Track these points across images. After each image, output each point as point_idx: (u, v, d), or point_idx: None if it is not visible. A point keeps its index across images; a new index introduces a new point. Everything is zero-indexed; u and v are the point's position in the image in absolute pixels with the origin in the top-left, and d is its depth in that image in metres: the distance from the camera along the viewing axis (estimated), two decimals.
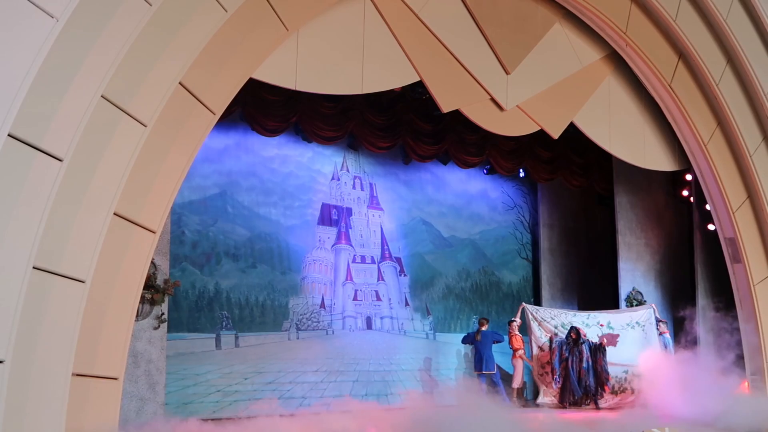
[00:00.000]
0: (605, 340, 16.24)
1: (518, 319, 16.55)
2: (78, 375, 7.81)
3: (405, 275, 16.95)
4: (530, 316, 16.62)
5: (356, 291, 16.15)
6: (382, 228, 16.73)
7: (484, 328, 16.08)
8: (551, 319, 16.59)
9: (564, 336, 16.08)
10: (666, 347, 16.51)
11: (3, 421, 6.81)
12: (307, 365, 14.86)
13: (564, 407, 15.89)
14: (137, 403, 11.73)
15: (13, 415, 7.02)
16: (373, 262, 16.52)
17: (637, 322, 16.70)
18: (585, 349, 15.82)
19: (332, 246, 15.87)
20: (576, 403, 15.92)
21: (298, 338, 15.02)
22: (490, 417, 9.73)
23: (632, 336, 16.53)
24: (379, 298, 16.47)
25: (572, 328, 16.14)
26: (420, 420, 10.34)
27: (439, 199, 17.81)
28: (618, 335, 16.47)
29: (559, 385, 15.91)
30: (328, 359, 15.26)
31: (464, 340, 16.41)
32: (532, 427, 10.73)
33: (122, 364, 8.57)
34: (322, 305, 15.50)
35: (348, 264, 16.09)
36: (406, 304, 16.91)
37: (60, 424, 7.47)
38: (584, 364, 15.77)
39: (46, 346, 7.40)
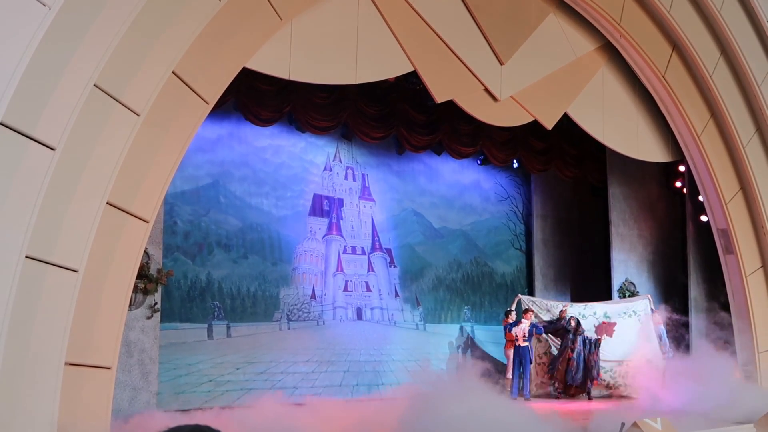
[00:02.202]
0: (603, 331, 16.27)
1: (513, 310, 16.53)
2: (71, 364, 7.78)
3: (395, 266, 16.96)
4: (526, 307, 16.63)
5: (346, 282, 16.15)
6: (373, 219, 16.72)
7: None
8: (546, 312, 16.59)
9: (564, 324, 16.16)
10: (661, 338, 16.57)
11: None
12: (298, 355, 14.87)
13: (558, 397, 15.96)
14: (130, 393, 11.73)
15: (6, 403, 7.00)
16: (363, 253, 16.52)
17: (633, 311, 16.71)
18: (579, 341, 15.86)
19: (323, 237, 15.85)
20: (566, 392, 15.99)
21: (289, 329, 15.02)
22: (485, 407, 9.75)
23: (629, 324, 16.56)
24: (369, 289, 16.48)
25: (571, 317, 16.23)
26: (416, 411, 10.33)
27: (432, 189, 17.80)
28: (615, 323, 16.51)
29: (557, 373, 16.00)
30: (318, 350, 15.28)
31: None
32: (526, 417, 10.75)
33: (115, 353, 8.55)
34: (313, 296, 15.50)
35: (339, 255, 16.08)
36: (396, 295, 16.92)
37: (53, 412, 7.45)
38: (575, 356, 15.82)
39: (39, 336, 7.38)
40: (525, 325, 15.80)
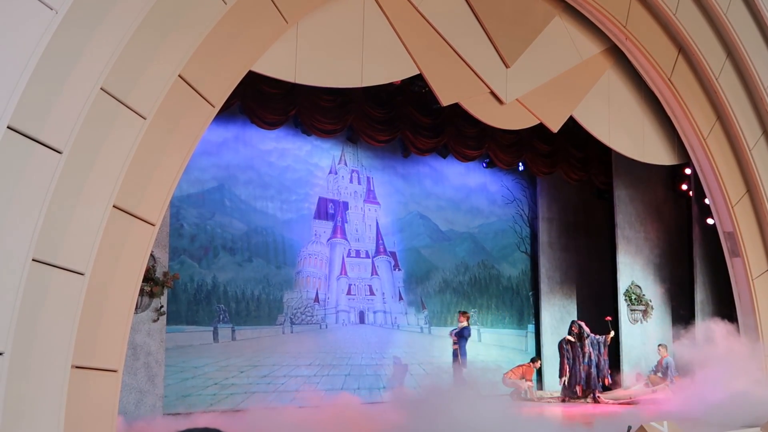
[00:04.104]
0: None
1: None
2: (77, 367, 7.77)
3: (399, 269, 16.95)
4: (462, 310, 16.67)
5: (350, 285, 16.17)
6: (377, 222, 16.72)
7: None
8: None
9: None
10: (668, 368, 16.53)
11: (2, 413, 6.78)
12: (300, 359, 14.90)
13: (564, 401, 15.94)
14: (136, 396, 11.73)
15: (12, 407, 6.98)
16: (367, 256, 16.53)
17: None
18: (587, 344, 15.88)
19: (328, 240, 15.86)
20: (575, 397, 15.96)
21: (292, 332, 15.07)
22: (492, 411, 9.74)
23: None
24: (372, 293, 16.49)
25: (573, 322, 16.26)
26: (417, 414, 10.33)
27: (438, 192, 17.79)
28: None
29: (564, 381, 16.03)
30: (321, 353, 15.33)
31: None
32: (532, 421, 10.75)
33: (121, 356, 8.53)
34: (316, 299, 15.53)
35: (343, 258, 16.09)
36: (400, 298, 16.92)
37: (59, 416, 7.43)
38: (586, 360, 15.83)
39: (46, 339, 7.36)
40: (458, 328, 15.75)
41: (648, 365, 17.50)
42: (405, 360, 16.31)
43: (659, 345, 17.07)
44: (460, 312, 16.18)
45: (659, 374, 16.85)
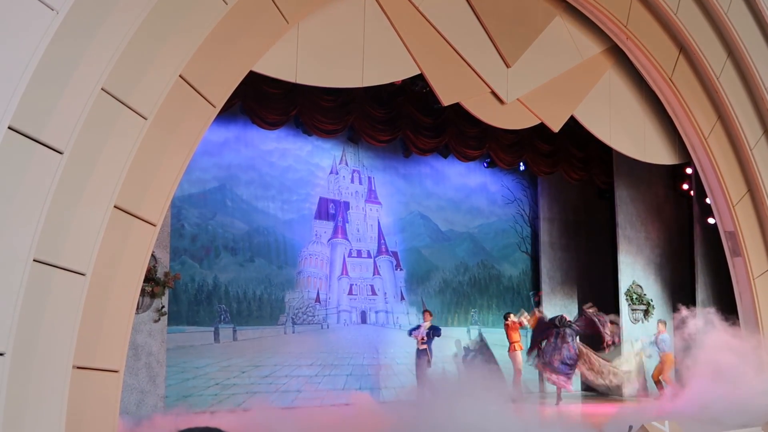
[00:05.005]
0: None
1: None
2: (78, 368, 7.77)
3: (401, 269, 16.95)
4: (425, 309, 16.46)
5: (351, 285, 16.18)
6: (379, 222, 16.73)
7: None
8: None
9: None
10: (665, 344, 16.53)
11: (3, 414, 6.78)
12: (302, 359, 14.92)
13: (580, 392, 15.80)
14: (138, 396, 11.74)
15: (13, 407, 6.99)
16: (369, 256, 16.53)
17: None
18: (568, 334, 15.72)
19: (329, 240, 15.87)
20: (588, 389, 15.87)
21: (293, 332, 15.08)
22: (492, 411, 9.73)
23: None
24: (374, 293, 16.50)
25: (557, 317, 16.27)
26: (424, 413, 10.34)
27: (438, 192, 17.81)
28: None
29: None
30: (322, 353, 15.34)
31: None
32: (533, 421, 10.75)
33: (123, 356, 8.53)
34: (318, 299, 15.55)
35: (344, 258, 16.10)
36: (402, 298, 16.93)
37: (60, 416, 7.43)
38: (573, 350, 15.71)
39: (47, 339, 7.36)
40: (423, 328, 15.52)
41: (650, 364, 17.48)
42: (380, 357, 16.25)
43: (659, 321, 17.05)
44: (425, 311, 16.03)
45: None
